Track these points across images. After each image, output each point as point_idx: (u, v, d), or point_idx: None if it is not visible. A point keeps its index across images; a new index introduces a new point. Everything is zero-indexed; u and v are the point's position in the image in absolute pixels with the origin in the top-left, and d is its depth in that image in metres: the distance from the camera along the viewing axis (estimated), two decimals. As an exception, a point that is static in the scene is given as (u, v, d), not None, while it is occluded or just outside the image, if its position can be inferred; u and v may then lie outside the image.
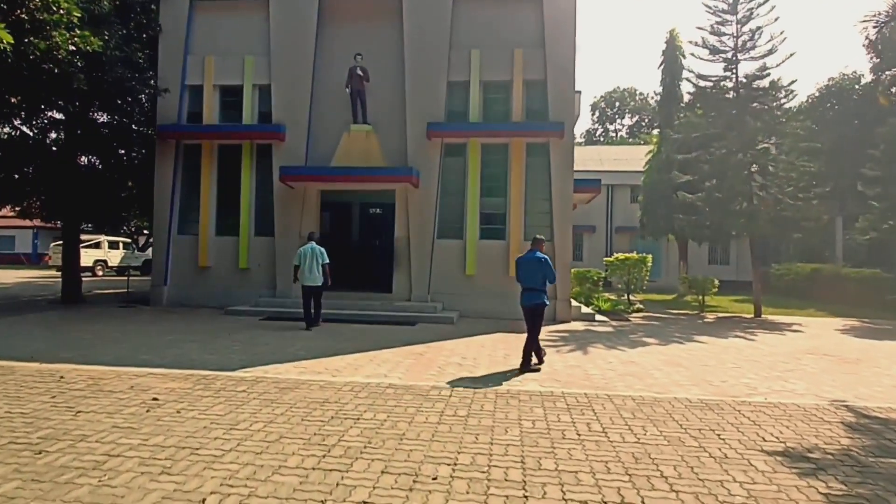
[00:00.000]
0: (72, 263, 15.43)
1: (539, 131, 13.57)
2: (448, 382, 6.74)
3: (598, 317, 14.11)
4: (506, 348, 9.38)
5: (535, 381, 7.01)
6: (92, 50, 11.08)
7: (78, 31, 10.86)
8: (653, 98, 66.85)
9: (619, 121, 68.03)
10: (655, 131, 53.85)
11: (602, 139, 62.60)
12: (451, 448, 4.45)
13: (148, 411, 5.24)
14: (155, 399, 5.65)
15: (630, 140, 55.74)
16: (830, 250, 25.29)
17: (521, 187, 13.85)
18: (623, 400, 6.09)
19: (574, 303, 14.37)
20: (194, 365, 7.41)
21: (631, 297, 17.14)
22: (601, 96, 66.87)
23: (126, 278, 17.87)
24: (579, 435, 4.88)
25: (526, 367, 7.57)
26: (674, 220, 21.62)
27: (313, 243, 11.36)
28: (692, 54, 17.40)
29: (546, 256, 7.94)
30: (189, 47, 14.82)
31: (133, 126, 15.97)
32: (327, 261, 11.29)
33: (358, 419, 5.15)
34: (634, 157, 33.39)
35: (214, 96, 14.83)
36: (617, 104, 66.98)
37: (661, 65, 24.20)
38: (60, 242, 19.60)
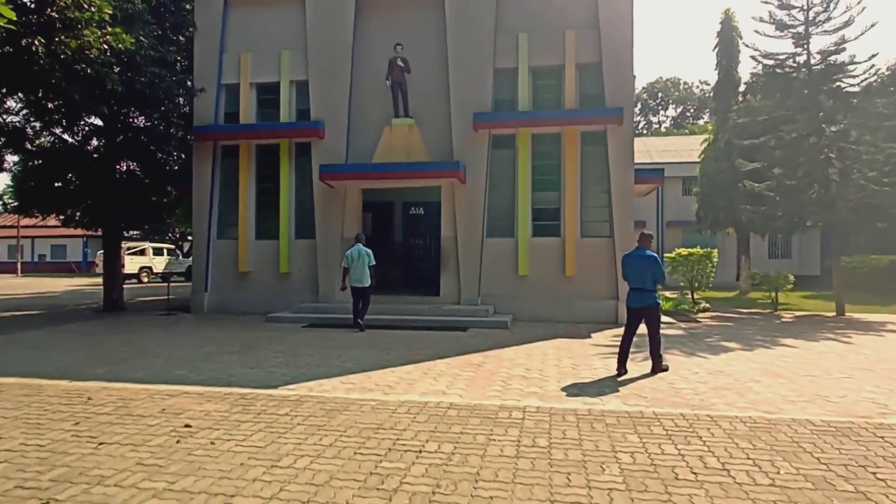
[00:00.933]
0: (113, 271, 15.17)
1: (595, 118, 12.53)
2: (517, 401, 5.86)
3: (663, 318, 12.95)
4: (571, 357, 8.43)
5: (618, 397, 6.05)
6: (124, 48, 10.65)
7: (110, 29, 10.43)
8: (698, 87, 64.60)
9: (662, 112, 65.83)
10: (704, 120, 51.65)
11: (645, 131, 60.49)
12: (541, 494, 3.56)
13: (178, 442, 4.53)
14: (187, 426, 4.94)
15: (675, 131, 53.57)
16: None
17: (577, 179, 12.83)
18: (732, 423, 5.08)
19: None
20: (233, 381, 6.73)
21: (695, 296, 15.86)
22: (643, 87, 64.79)
23: (168, 285, 17.55)
24: (695, 474, 3.92)
25: (659, 368, 7.27)
26: (736, 212, 20.24)
27: (360, 245, 11.23)
28: (756, 31, 16.16)
29: (655, 254, 7.27)
30: (224, 45, 14.36)
31: (171, 129, 15.66)
32: (373, 262, 11.22)
33: (420, 452, 4.32)
34: (684, 148, 31.81)
35: (251, 95, 14.32)
36: (660, 95, 64.81)
37: (715, 47, 22.66)
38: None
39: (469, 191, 13.01)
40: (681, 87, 64.70)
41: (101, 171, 14.50)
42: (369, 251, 11.17)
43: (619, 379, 6.95)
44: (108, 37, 10.34)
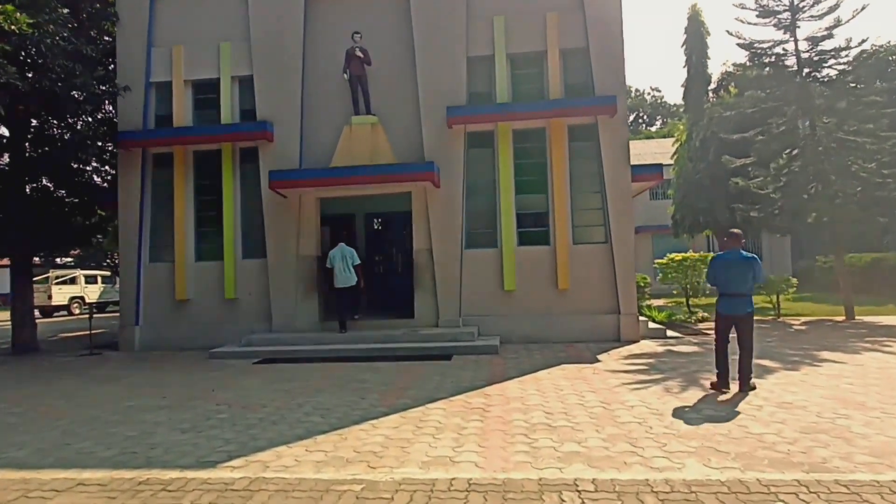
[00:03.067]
0: (24, 305, 12.74)
1: (584, 108, 11.10)
2: (560, 470, 4.18)
3: (668, 332, 11.58)
4: (592, 390, 6.82)
5: (691, 454, 4.45)
6: (19, 31, 8.54)
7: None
8: (649, 94, 65.25)
9: (616, 120, 65.95)
10: (656, 126, 51.75)
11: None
12: None
13: None
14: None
15: (633, 136, 53.58)
16: (893, 236, 22.91)
17: (565, 179, 11.36)
18: (880, 493, 3.54)
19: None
20: (153, 458, 4.81)
21: (690, 304, 14.61)
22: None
23: (97, 316, 15.14)
24: None
25: (746, 386, 6.42)
26: (716, 213, 19.34)
27: (342, 244, 10.91)
28: (738, 19, 15.12)
29: (754, 255, 6.35)
30: (152, 38, 12.33)
31: (90, 137, 13.48)
32: (358, 261, 10.86)
33: None
34: (647, 152, 31.14)
35: (186, 94, 12.31)
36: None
37: (683, 44, 21.92)
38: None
39: (444, 196, 11.37)
40: (632, 94, 65.16)
41: (6, 190, 12.19)
42: (352, 250, 10.83)
43: (687, 410, 5.37)
44: (-4, 16, 8.23)
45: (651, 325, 11.79)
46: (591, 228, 11.41)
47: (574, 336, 10.94)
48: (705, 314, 13.88)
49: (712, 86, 22.00)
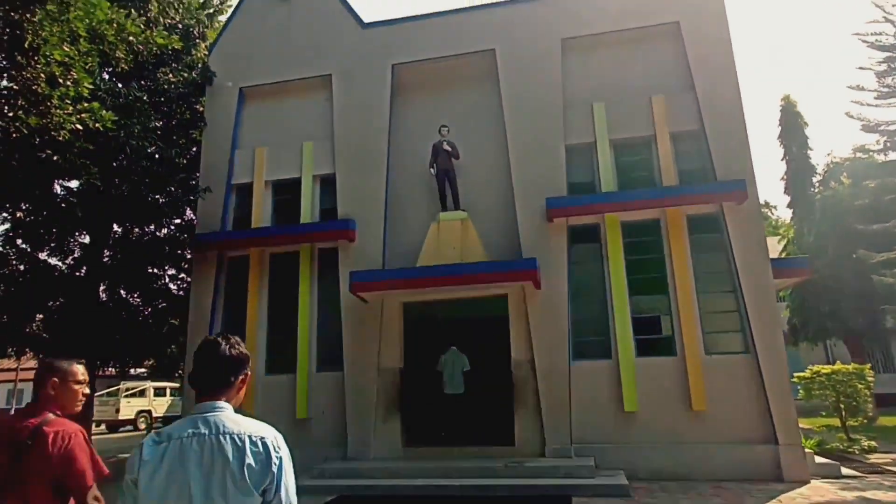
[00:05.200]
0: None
1: (706, 194, 9.63)
2: None
3: (843, 469, 9.08)
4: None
5: None
6: (103, 127, 8.18)
7: (86, 105, 8.03)
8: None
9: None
10: (778, 214, 48.57)
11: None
12: None
13: None
14: None
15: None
16: None
17: (689, 276, 9.66)
18: None
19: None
20: None
21: (847, 427, 11.86)
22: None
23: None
24: None
25: None
26: (846, 317, 16.75)
27: (454, 348, 10.13)
28: (854, 101, 13.64)
29: None
30: (237, 141, 12.11)
31: (171, 243, 13.16)
32: (468, 367, 10.03)
33: None
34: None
35: (266, 194, 11.80)
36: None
37: (779, 136, 20.49)
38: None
39: (545, 299, 9.85)
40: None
41: (80, 298, 11.71)
42: (465, 356, 10.07)
43: None
44: (82, 114, 7.89)
45: (817, 459, 9.31)
46: (727, 335, 9.48)
47: (718, 472, 8.66)
48: (872, 443, 11.14)
49: (816, 177, 20.15)
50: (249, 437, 1.88)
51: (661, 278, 9.84)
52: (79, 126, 7.97)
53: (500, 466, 8.63)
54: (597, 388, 9.48)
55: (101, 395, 23.80)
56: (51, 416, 2.64)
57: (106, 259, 12.36)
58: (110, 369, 15.92)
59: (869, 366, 11.97)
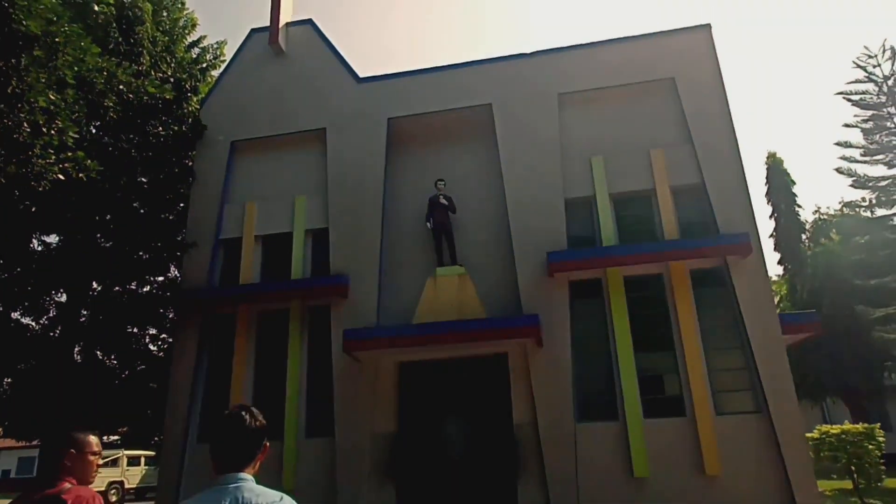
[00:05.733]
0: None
1: (709, 248, 9.45)
2: None
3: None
4: None
5: None
6: (87, 178, 7.84)
7: (69, 154, 7.72)
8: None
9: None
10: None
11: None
12: None
13: None
14: None
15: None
16: None
17: (695, 332, 9.34)
18: None
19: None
20: None
21: (859, 490, 11.30)
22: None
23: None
24: None
25: None
26: (844, 375, 16.45)
27: None
28: (843, 157, 13.86)
29: None
30: (227, 195, 11.81)
31: (153, 302, 12.57)
32: None
33: None
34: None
35: (255, 250, 11.41)
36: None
37: (766, 194, 20.78)
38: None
39: (547, 357, 9.43)
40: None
41: (52, 361, 11.01)
42: None
43: None
44: (65, 164, 7.56)
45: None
46: (737, 394, 9.09)
47: (739, 544, 8.07)
48: (891, 509, 10.59)
49: (805, 234, 20.31)
50: None
51: (666, 334, 9.51)
52: (61, 176, 7.62)
53: (505, 541, 7.94)
54: (604, 452, 8.95)
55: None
56: (67, 485, 2.69)
57: (83, 319, 11.72)
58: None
59: (879, 425, 11.53)
